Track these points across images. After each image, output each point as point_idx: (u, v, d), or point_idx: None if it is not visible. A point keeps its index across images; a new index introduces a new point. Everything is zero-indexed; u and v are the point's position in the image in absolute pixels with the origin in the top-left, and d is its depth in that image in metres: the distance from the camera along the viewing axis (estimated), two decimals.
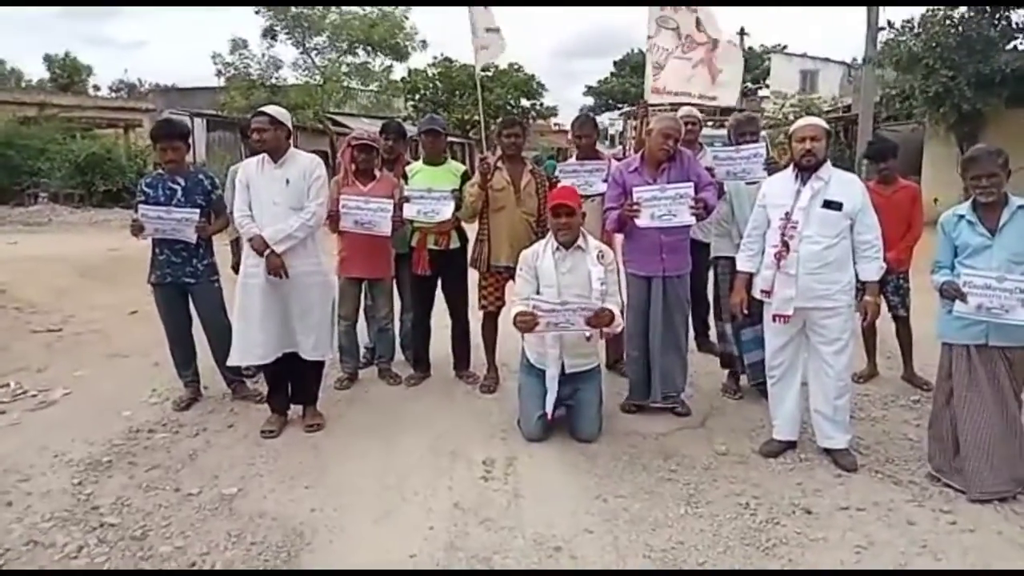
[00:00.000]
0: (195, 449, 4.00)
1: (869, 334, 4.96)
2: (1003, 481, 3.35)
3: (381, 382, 5.07)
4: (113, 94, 36.03)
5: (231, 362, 4.24)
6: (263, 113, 4.13)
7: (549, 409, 3.99)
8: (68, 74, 34.73)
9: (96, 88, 36.95)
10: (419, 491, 3.51)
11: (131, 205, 4.55)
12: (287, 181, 4.10)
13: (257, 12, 22.84)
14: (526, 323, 3.82)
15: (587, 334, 3.88)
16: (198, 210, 4.42)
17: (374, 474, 3.68)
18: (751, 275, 3.92)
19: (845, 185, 3.72)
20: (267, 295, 4.07)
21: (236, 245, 5.06)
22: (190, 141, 4.76)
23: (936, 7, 13.57)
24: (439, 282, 5.03)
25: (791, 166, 3.84)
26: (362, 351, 5.33)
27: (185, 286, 4.55)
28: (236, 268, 5.09)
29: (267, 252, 4.01)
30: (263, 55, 23.44)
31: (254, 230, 4.06)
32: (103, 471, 3.74)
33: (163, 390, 4.86)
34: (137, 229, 4.40)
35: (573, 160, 5.10)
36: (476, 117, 27.90)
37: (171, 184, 4.48)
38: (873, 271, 3.70)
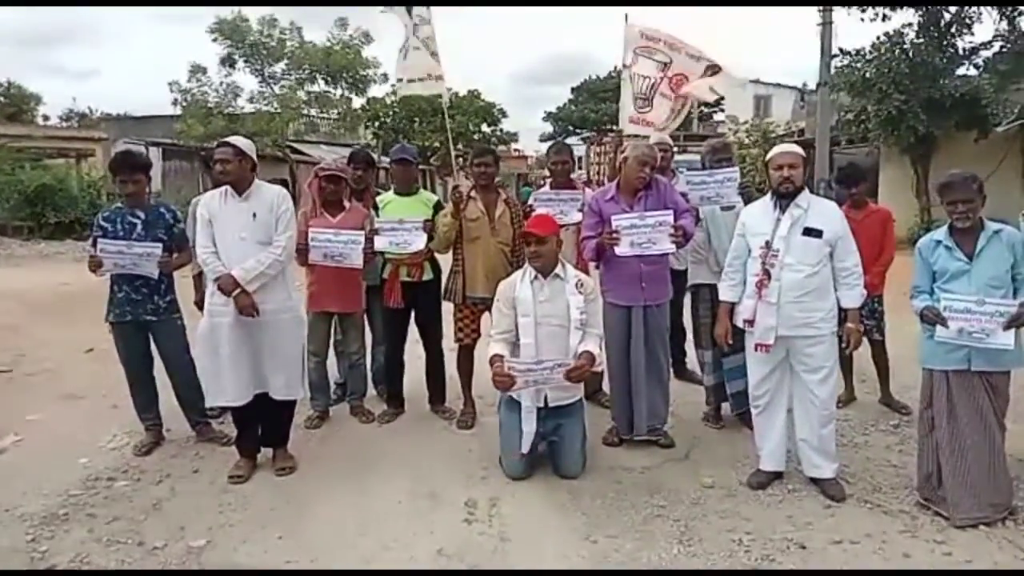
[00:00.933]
0: (159, 498, 3.77)
1: (846, 358, 4.95)
2: (981, 506, 3.34)
3: (354, 420, 4.90)
4: (64, 123, 35.18)
5: (207, 403, 4.03)
6: (227, 144, 3.96)
7: (525, 447, 3.87)
8: (15, 103, 33.88)
9: (46, 117, 36.10)
10: (399, 537, 3.35)
11: (84, 237, 4.34)
12: (254, 215, 3.94)
13: (215, 40, 22.58)
14: (503, 383, 3.72)
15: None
16: (160, 244, 4.23)
17: (351, 520, 3.51)
18: (734, 305, 3.88)
19: (824, 212, 3.71)
20: (236, 334, 3.89)
21: (199, 280, 4.87)
22: (149, 173, 4.55)
23: (886, 34, 14.00)
24: (412, 315, 4.90)
25: (769, 194, 3.82)
26: (333, 387, 5.15)
27: (146, 324, 4.33)
28: (200, 304, 4.90)
29: (236, 291, 3.83)
30: (221, 83, 23.14)
31: (220, 269, 3.86)
32: (59, 525, 3.49)
33: (123, 434, 4.61)
34: (95, 265, 4.18)
35: (548, 188, 5.03)
36: (436, 144, 27.91)
37: (131, 218, 4.29)
38: (855, 298, 3.69)
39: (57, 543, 3.33)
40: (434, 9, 5.13)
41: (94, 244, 4.27)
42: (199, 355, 4.02)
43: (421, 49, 5.08)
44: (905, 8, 14.05)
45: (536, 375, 3.72)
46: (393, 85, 6.00)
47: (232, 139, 4.04)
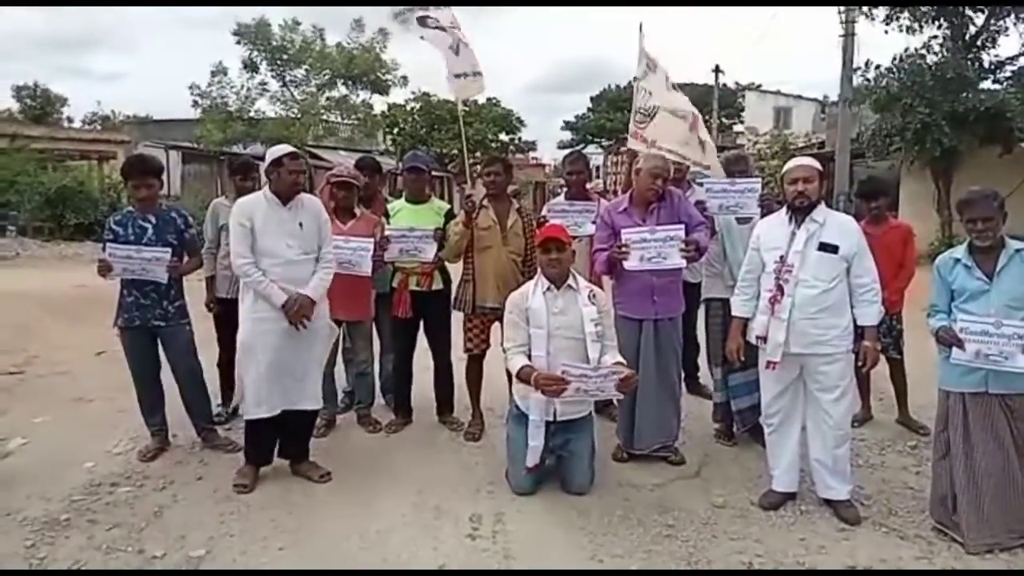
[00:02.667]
0: (161, 505, 3.74)
1: (863, 376, 4.85)
2: (996, 532, 3.24)
3: (360, 429, 4.85)
4: (87, 126, 35.59)
5: (248, 415, 3.94)
6: (298, 155, 3.97)
7: (531, 462, 3.80)
8: (40, 105, 34.33)
9: (70, 120, 36.55)
10: (401, 552, 3.29)
11: (103, 239, 4.34)
12: (300, 224, 3.92)
13: (238, 43, 22.72)
14: (554, 388, 3.61)
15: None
16: (169, 249, 4.21)
17: (353, 533, 3.45)
18: (747, 320, 3.80)
19: (841, 227, 3.63)
20: (283, 343, 3.86)
21: (212, 282, 4.86)
22: (163, 177, 4.55)
23: (912, 48, 13.87)
24: (421, 324, 4.85)
25: (784, 208, 3.74)
26: (340, 396, 5.11)
27: (154, 330, 4.32)
28: (209, 305, 4.89)
29: (297, 305, 3.82)
30: (243, 86, 23.26)
31: (274, 289, 3.79)
32: (60, 531, 3.47)
33: (128, 439, 4.59)
34: (105, 269, 4.18)
35: (562, 199, 4.98)
36: (455, 151, 27.98)
37: (141, 222, 4.27)
38: (872, 315, 3.59)
39: (56, 549, 3.30)
40: (456, 15, 5.10)
41: (104, 248, 4.27)
42: (244, 365, 3.93)
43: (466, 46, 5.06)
44: (932, 23, 13.94)
45: (590, 383, 3.62)
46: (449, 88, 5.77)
47: (287, 148, 4.00)
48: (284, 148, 3.98)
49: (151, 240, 4.24)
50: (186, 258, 4.39)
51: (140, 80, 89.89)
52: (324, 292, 3.98)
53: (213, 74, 22.87)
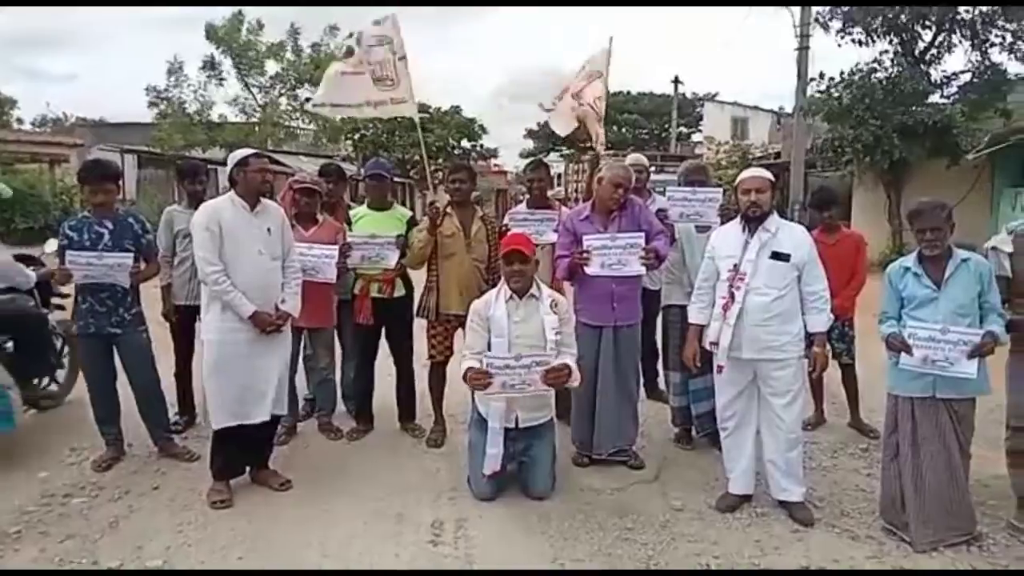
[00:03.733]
0: (116, 516, 3.67)
1: (816, 381, 4.97)
2: (938, 530, 3.35)
3: (321, 436, 4.82)
4: (36, 129, 34.59)
5: (215, 425, 3.84)
6: (261, 154, 3.95)
7: (488, 469, 3.82)
8: None
9: (20, 121, 35.46)
10: (362, 560, 3.28)
11: (59, 245, 4.25)
12: (268, 230, 3.89)
13: (208, 38, 22.40)
14: (478, 382, 3.66)
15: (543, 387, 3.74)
16: (131, 254, 4.16)
17: (314, 541, 3.44)
18: (703, 327, 3.88)
19: (792, 236, 3.73)
20: (250, 352, 3.82)
21: (168, 290, 4.78)
22: (120, 182, 4.47)
23: (862, 64, 14.28)
24: (383, 331, 4.85)
25: (738, 217, 3.84)
26: (301, 403, 5.07)
27: (110, 337, 4.24)
28: (167, 315, 4.81)
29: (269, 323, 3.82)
30: (202, 84, 22.90)
31: (243, 300, 3.73)
32: (10, 544, 3.38)
33: (83, 448, 4.49)
34: (64, 277, 4.09)
35: (523, 207, 5.02)
36: (416, 157, 27.90)
37: (98, 227, 4.19)
38: (821, 322, 3.71)
39: (5, 562, 3.22)
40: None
41: (61, 255, 4.17)
42: (210, 375, 3.80)
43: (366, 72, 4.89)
44: (883, 37, 14.38)
45: (513, 373, 3.65)
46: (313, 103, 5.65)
47: (252, 151, 3.98)
48: (247, 150, 3.95)
49: (107, 246, 4.16)
50: (143, 264, 4.32)
51: (93, 81, 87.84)
52: (299, 304, 4.01)
53: (170, 72, 22.48)
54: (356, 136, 31.66)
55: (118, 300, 4.20)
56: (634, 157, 5.43)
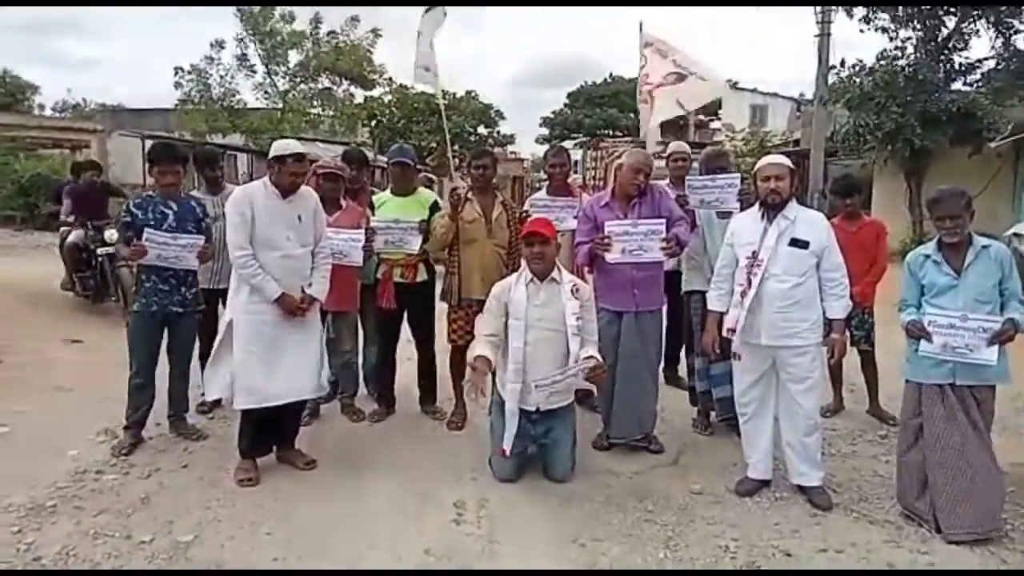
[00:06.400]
0: (147, 492, 3.76)
1: (835, 368, 4.98)
2: (976, 522, 3.31)
3: (344, 418, 4.90)
4: (56, 114, 34.90)
5: (238, 405, 3.90)
6: (303, 156, 3.97)
7: (507, 446, 3.86)
8: (11, 92, 33.62)
9: (41, 107, 35.84)
10: (387, 537, 3.35)
11: (122, 223, 4.35)
12: (299, 217, 3.95)
13: (238, 17, 22.69)
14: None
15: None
16: (203, 236, 4.30)
17: (338, 519, 3.51)
18: (722, 314, 3.90)
19: (811, 223, 3.74)
20: (274, 336, 3.88)
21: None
22: (186, 166, 4.61)
23: (887, 49, 14.11)
24: (405, 315, 4.91)
25: (757, 204, 3.85)
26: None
27: (169, 316, 4.34)
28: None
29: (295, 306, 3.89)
30: (230, 69, 23.16)
31: (270, 283, 3.80)
32: (46, 517, 3.48)
33: (113, 427, 4.59)
34: (139, 254, 4.18)
35: (544, 194, 5.04)
36: (432, 144, 27.91)
37: (163, 208, 4.29)
38: (839, 309, 3.72)
39: (43, 535, 3.31)
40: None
41: (126, 230, 4.27)
42: (237, 357, 3.83)
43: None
44: (907, 25, 14.19)
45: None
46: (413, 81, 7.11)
47: (293, 145, 3.99)
48: (292, 147, 3.95)
49: (171, 226, 4.27)
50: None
51: (114, 68, 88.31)
52: (326, 289, 4.07)
53: (211, 46, 22.86)
54: (373, 123, 31.72)
55: (180, 280, 4.32)
56: (676, 144, 5.39)
